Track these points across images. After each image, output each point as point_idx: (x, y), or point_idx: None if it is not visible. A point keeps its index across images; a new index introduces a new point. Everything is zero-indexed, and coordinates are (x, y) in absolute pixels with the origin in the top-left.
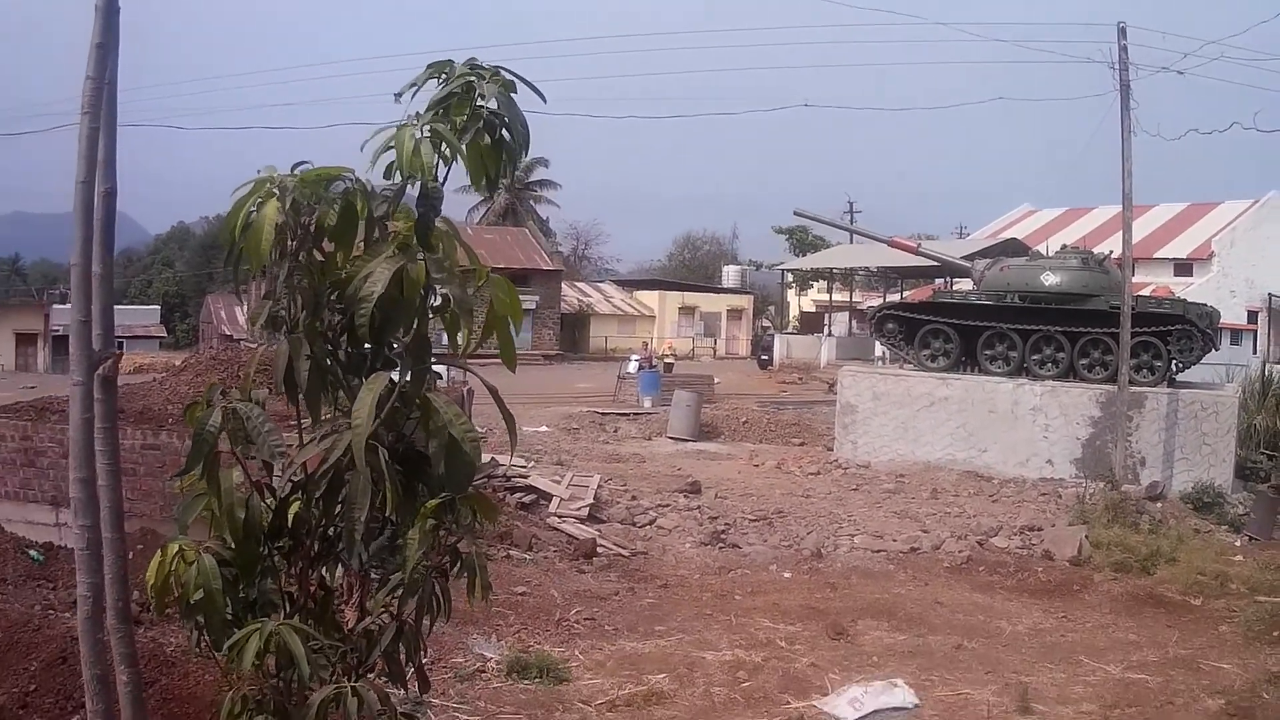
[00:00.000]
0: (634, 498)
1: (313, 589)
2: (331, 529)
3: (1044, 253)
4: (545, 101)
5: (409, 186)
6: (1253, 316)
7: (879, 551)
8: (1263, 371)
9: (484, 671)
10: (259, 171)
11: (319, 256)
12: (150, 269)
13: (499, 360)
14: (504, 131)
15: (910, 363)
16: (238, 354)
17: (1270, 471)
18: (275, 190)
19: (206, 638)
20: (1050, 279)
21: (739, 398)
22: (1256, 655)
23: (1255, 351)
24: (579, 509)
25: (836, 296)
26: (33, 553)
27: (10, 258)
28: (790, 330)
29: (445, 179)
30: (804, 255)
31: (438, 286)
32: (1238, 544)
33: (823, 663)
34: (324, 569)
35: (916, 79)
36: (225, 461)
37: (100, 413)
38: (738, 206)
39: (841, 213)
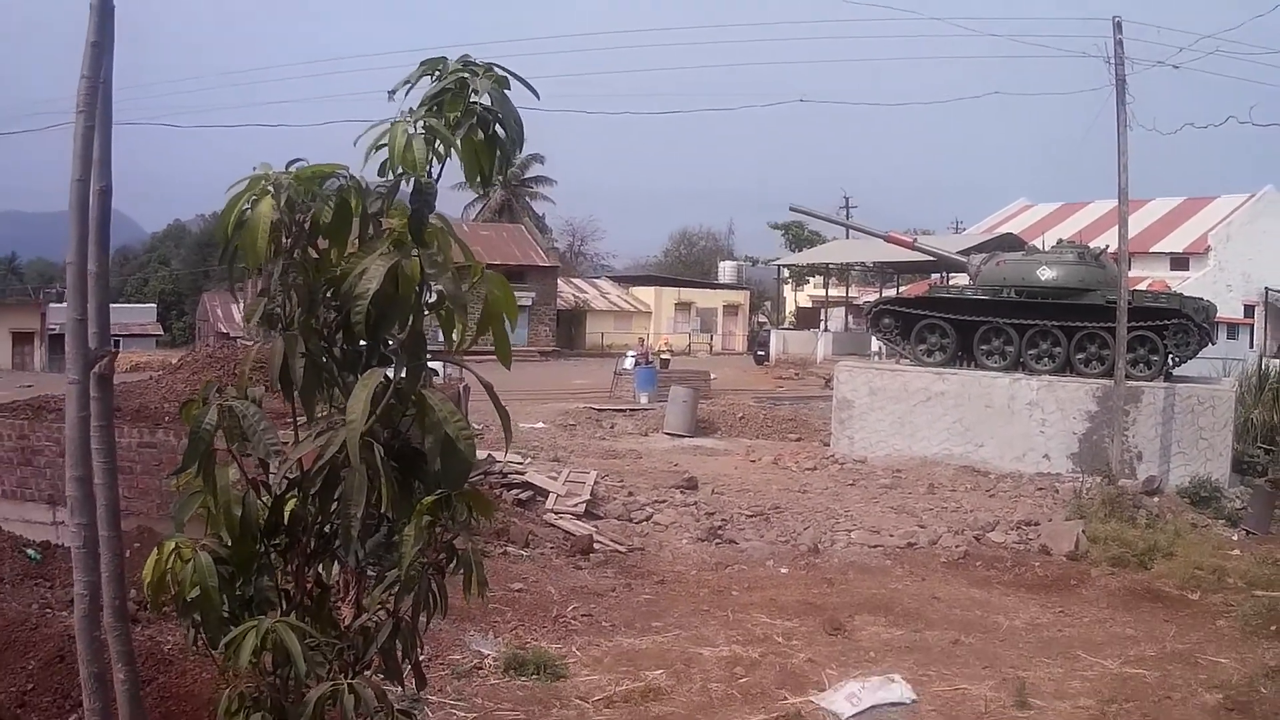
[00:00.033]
0: (631, 494)
1: (309, 586)
2: (328, 526)
3: (1040, 247)
4: (539, 98)
5: (403, 183)
6: (1249, 311)
7: (876, 547)
8: (1259, 366)
9: (481, 668)
10: (254, 169)
11: (314, 254)
12: (146, 267)
13: (495, 357)
14: (498, 127)
15: (907, 358)
16: (234, 352)
17: (1267, 465)
18: (270, 188)
19: (203, 635)
20: (1046, 274)
21: (735, 393)
22: (1254, 649)
23: (1252, 346)
24: (576, 505)
25: (833, 292)
26: (30, 551)
27: (6, 257)
28: (786, 326)
29: (439, 176)
30: (800, 251)
31: (432, 283)
32: (1235, 538)
33: (820, 658)
34: (320, 566)
35: (913, 74)
36: (221, 459)
37: (96, 411)
38: (734, 202)
39: (837, 208)
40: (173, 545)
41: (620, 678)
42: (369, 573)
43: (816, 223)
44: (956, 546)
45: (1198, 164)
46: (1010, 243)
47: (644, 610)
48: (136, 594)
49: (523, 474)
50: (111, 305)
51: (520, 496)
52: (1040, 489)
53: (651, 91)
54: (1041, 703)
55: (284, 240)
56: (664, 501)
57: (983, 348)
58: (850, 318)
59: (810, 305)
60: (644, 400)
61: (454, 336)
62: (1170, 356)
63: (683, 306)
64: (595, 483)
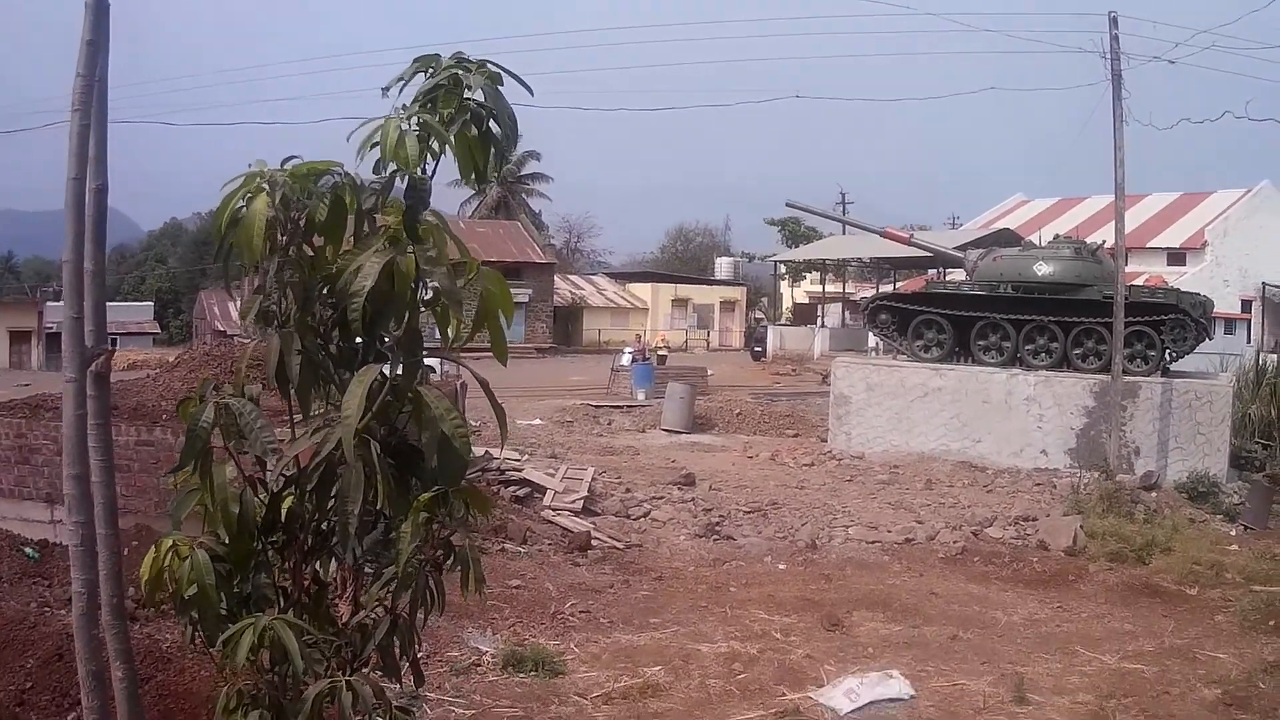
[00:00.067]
0: (628, 490)
1: (307, 583)
2: (325, 523)
3: (1037, 243)
4: (532, 94)
5: (398, 179)
6: (1246, 306)
7: (874, 543)
8: (1257, 360)
9: (479, 665)
10: (249, 166)
11: (309, 251)
12: (143, 265)
13: (492, 354)
14: (492, 123)
15: (904, 353)
16: (231, 350)
17: (1265, 460)
18: (265, 185)
19: (201, 633)
20: (1043, 269)
21: (732, 390)
22: (1252, 645)
23: (1249, 341)
24: (573, 502)
25: (829, 288)
26: (28, 550)
27: (3, 256)
28: (783, 322)
29: (434, 172)
30: (796, 246)
31: (428, 279)
32: (1233, 533)
33: (818, 654)
34: (318, 563)
35: (909, 70)
36: (219, 457)
37: (93, 409)
38: (730, 198)
39: (834, 204)
40: (170, 543)
41: (619, 674)
42: (366, 570)
43: (813, 219)
44: (954, 542)
45: (1194, 159)
46: (1007, 238)
47: (642, 607)
48: (134, 592)
49: (520, 471)
50: (108, 303)
51: (518, 493)
52: (1038, 484)
53: (647, 88)
54: (1040, 698)
55: (279, 237)
56: (662, 498)
57: (980, 343)
58: (847, 313)
59: (807, 301)
60: (641, 397)
61: (449, 332)
62: (1167, 352)
63: (679, 303)
64: (593, 479)
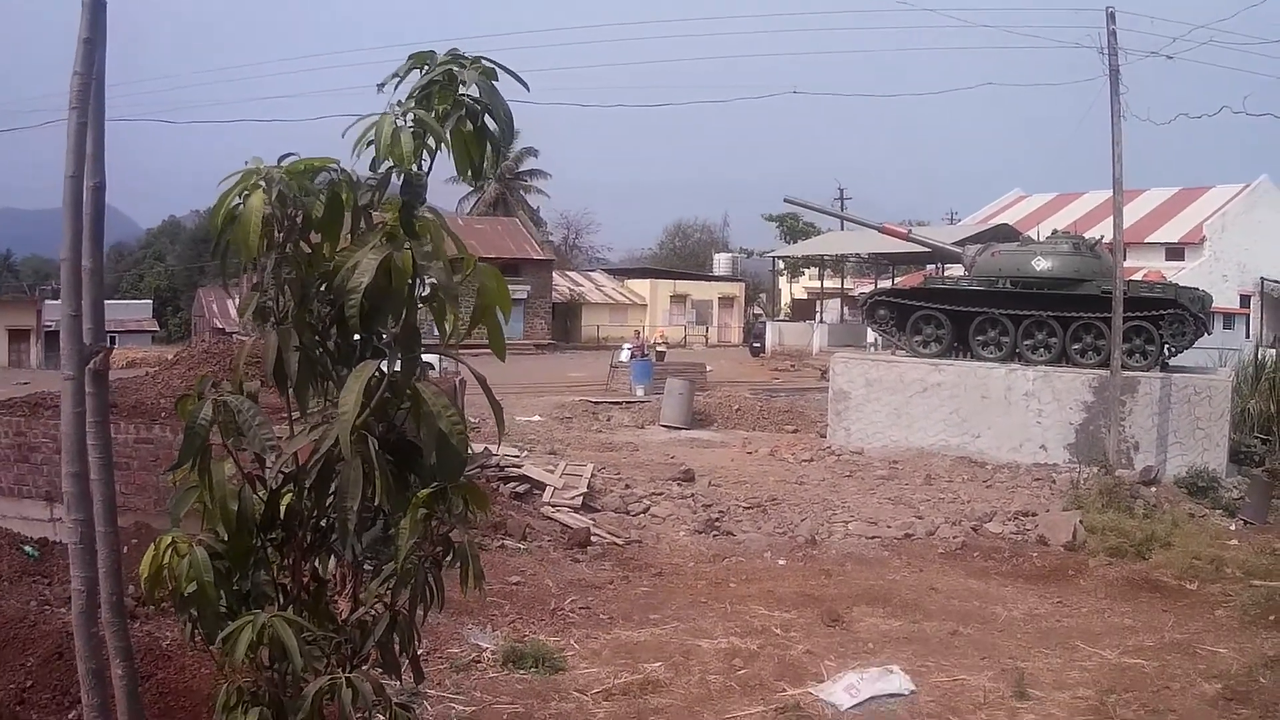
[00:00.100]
0: (628, 486)
1: (306, 580)
2: (324, 520)
3: (1035, 238)
4: (528, 89)
5: (394, 176)
6: (1245, 300)
7: (873, 538)
8: (1255, 355)
9: (479, 662)
10: (245, 164)
11: (306, 248)
12: (142, 263)
13: (490, 350)
14: (487, 118)
15: (902, 349)
16: (230, 347)
17: (1264, 455)
18: (261, 182)
19: (200, 631)
20: (1041, 264)
21: (731, 385)
22: (1253, 639)
23: (1248, 335)
24: (573, 498)
25: (828, 283)
26: (28, 548)
27: (2, 254)
28: (782, 317)
29: (430, 168)
30: (795, 242)
31: (425, 275)
32: (1232, 528)
33: (818, 650)
34: (317, 560)
35: (906, 65)
36: (217, 454)
37: (92, 407)
38: (728, 194)
39: (832, 199)
40: (169, 540)
41: (619, 670)
42: (366, 566)
43: (811, 214)
44: (954, 537)
45: (1192, 154)
46: (1005, 233)
47: (642, 602)
48: (134, 590)
49: (519, 467)
50: (107, 301)
51: (517, 489)
52: (1037, 479)
53: (645, 84)
54: (1040, 693)
55: (276, 234)
56: (661, 494)
57: (978, 338)
58: (846, 309)
59: (806, 297)
60: (640, 393)
61: (447, 328)
62: (1166, 347)
63: (678, 299)
64: (592, 475)
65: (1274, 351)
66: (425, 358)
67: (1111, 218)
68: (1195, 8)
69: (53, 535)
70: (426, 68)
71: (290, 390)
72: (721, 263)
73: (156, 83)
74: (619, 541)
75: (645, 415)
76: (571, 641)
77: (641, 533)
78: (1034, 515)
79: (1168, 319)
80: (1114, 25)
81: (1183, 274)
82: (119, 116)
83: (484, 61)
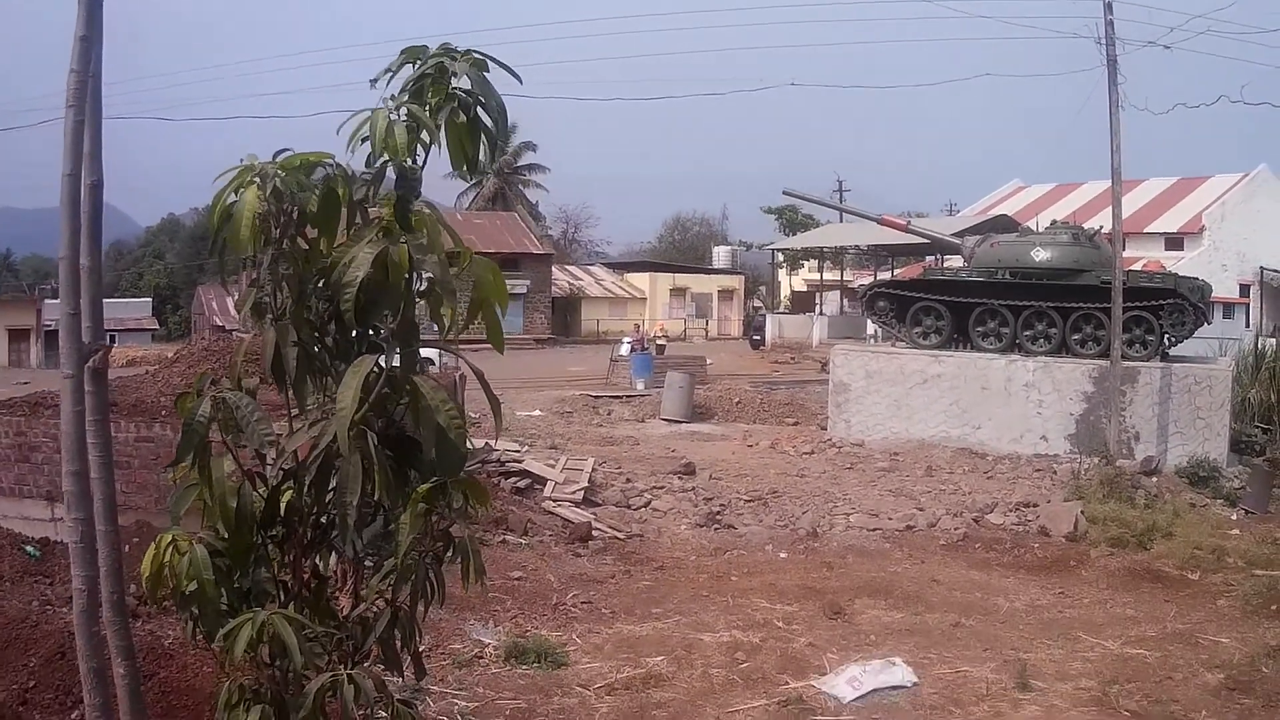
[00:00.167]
0: (628, 480)
1: (306, 577)
2: (324, 516)
3: (1034, 228)
4: (521, 82)
5: (389, 170)
6: (1245, 290)
7: (875, 530)
8: (1255, 345)
9: (482, 657)
10: (241, 160)
11: (303, 243)
12: (141, 261)
13: (490, 344)
14: (480, 110)
15: (902, 340)
16: (230, 344)
17: (1265, 445)
18: (255, 178)
19: (201, 628)
20: (1041, 255)
21: (732, 378)
22: (1255, 629)
23: (1248, 325)
24: (574, 493)
25: (827, 275)
26: (29, 548)
27: (2, 253)
28: (782, 310)
29: (425, 162)
30: (794, 235)
31: (421, 269)
32: (1234, 518)
33: (820, 642)
34: (317, 557)
35: (903, 57)
36: (217, 451)
37: (91, 405)
38: (727, 187)
39: (831, 191)
40: (170, 538)
41: (621, 664)
42: (366, 563)
43: (810, 206)
44: (955, 529)
45: (1190, 144)
46: (1004, 224)
47: (644, 597)
48: (136, 588)
49: (520, 462)
50: (106, 300)
51: (518, 484)
52: (1038, 470)
53: (642, 77)
54: (1043, 684)
55: (272, 230)
56: (662, 487)
57: (978, 330)
58: (845, 301)
59: (805, 289)
60: (640, 386)
61: (444, 322)
62: (1166, 336)
63: (678, 292)
64: (593, 470)
65: (1274, 341)
66: (425, 353)
67: (1110, 208)
68: None
69: (54, 535)
70: (419, 62)
71: (289, 386)
72: (721, 256)
73: (154, 80)
74: (620, 536)
75: (645, 409)
76: (574, 636)
77: (643, 527)
78: (1035, 506)
79: (1167, 309)
80: (1111, 15)
81: (1182, 264)
82: (116, 114)
83: (474, 54)
